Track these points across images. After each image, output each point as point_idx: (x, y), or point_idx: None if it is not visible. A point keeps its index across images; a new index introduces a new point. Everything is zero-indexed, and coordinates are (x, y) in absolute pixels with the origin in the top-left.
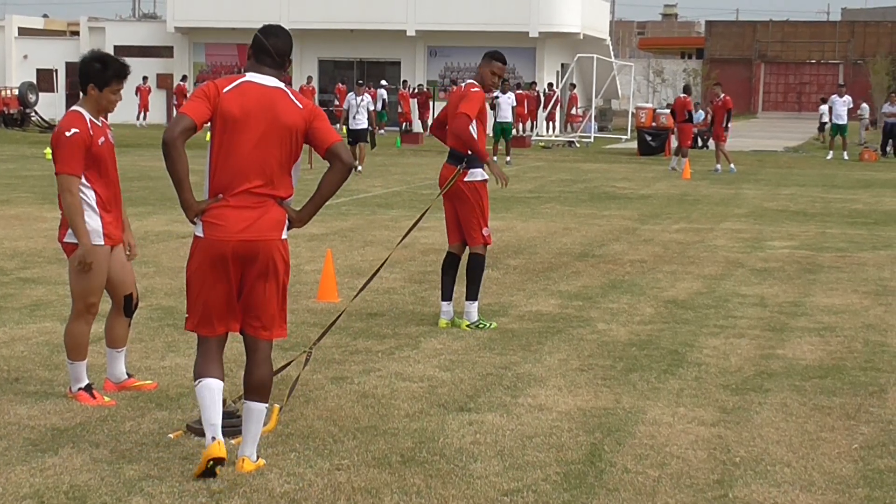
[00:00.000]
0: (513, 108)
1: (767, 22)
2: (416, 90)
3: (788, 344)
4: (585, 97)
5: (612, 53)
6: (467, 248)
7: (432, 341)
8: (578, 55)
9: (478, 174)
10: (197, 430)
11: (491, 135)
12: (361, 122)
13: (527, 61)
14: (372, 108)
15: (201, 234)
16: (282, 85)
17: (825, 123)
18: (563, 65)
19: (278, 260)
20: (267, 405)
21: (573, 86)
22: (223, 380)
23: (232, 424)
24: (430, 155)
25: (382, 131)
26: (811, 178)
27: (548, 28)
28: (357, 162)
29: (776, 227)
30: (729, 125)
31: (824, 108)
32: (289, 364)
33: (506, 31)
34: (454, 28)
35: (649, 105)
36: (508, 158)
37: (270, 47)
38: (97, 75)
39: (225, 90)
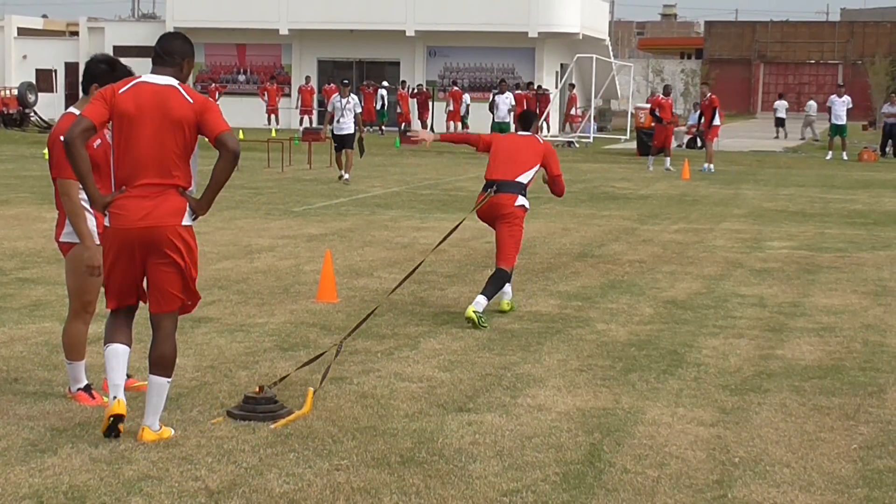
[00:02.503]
0: (511, 107)
1: (767, 22)
2: (416, 90)
3: (787, 344)
4: (585, 97)
5: (611, 54)
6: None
7: (431, 342)
8: (578, 55)
9: (527, 203)
10: (238, 415)
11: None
12: (347, 126)
13: (526, 62)
14: (359, 110)
15: (107, 224)
16: (175, 82)
17: (782, 119)
18: (562, 65)
19: (178, 244)
20: (169, 380)
21: (572, 86)
22: (130, 345)
23: (270, 410)
24: (429, 156)
25: (381, 132)
26: (810, 178)
27: (547, 28)
28: (343, 170)
29: (775, 227)
30: (716, 123)
31: (779, 103)
32: (318, 357)
33: (505, 31)
34: (453, 28)
35: (648, 105)
36: None
37: (159, 49)
38: (104, 76)
39: (120, 91)
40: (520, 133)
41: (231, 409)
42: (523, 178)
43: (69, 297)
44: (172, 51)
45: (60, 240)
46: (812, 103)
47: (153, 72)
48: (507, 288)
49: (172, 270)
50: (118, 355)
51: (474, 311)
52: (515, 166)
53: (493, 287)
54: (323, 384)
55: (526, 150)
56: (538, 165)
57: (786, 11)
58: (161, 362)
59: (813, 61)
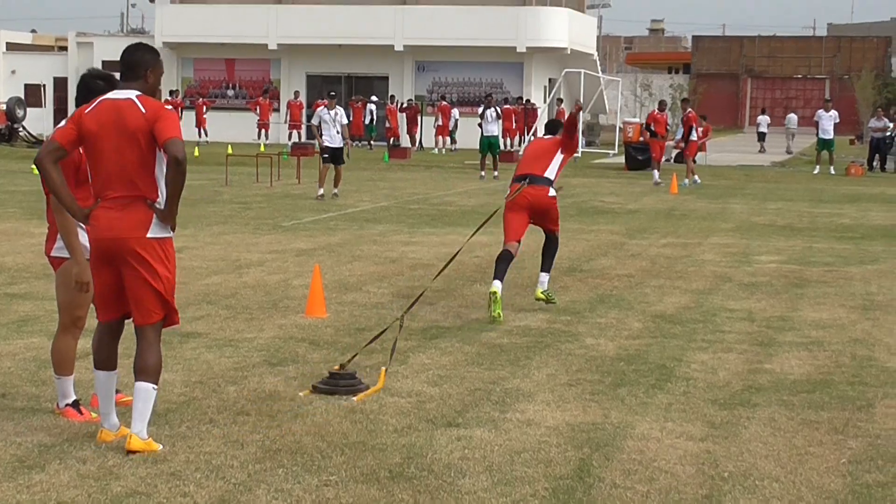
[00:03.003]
0: (498, 116)
1: (754, 37)
2: (406, 105)
3: (776, 358)
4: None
5: (599, 68)
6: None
7: (420, 356)
8: (566, 70)
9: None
10: (322, 389)
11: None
12: (337, 139)
13: (514, 76)
14: (345, 121)
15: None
16: (133, 95)
17: (764, 133)
18: (550, 79)
19: (144, 255)
20: (154, 386)
21: (560, 100)
22: (115, 367)
23: (351, 384)
24: (417, 170)
25: (370, 146)
26: (798, 192)
27: (535, 43)
28: (326, 186)
29: (763, 241)
30: (693, 138)
31: (761, 118)
32: (382, 333)
33: (493, 46)
34: (442, 43)
35: (637, 120)
36: (496, 173)
37: (121, 63)
38: (102, 92)
39: (86, 111)
40: (545, 137)
41: (316, 384)
42: (550, 174)
43: (59, 312)
44: (133, 63)
45: (52, 254)
46: (792, 116)
47: (120, 87)
48: (546, 278)
49: (142, 283)
50: (101, 382)
51: (542, 292)
52: (540, 163)
53: (550, 257)
54: (391, 362)
55: (545, 150)
56: (559, 154)
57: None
58: (145, 369)
59: (800, 76)
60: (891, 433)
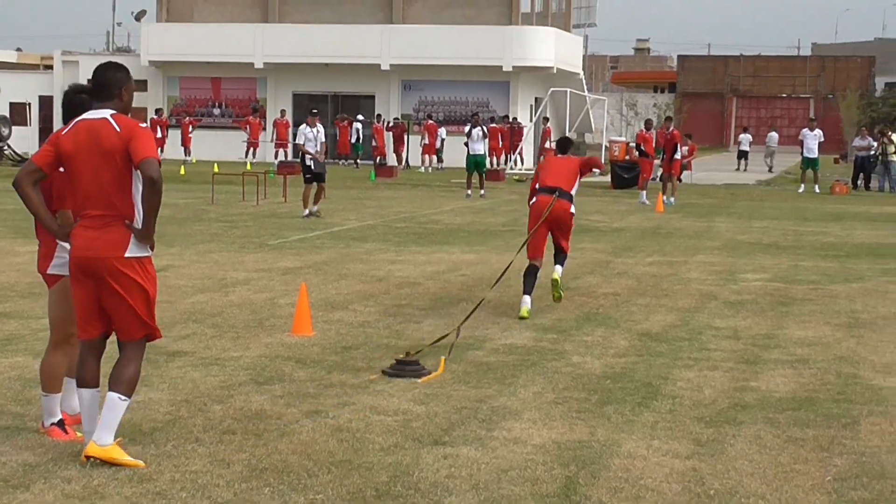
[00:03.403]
0: (484, 135)
1: (739, 57)
2: (393, 123)
3: (762, 376)
4: (559, 131)
5: (585, 87)
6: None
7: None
8: (552, 89)
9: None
10: (391, 374)
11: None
12: (320, 156)
13: (501, 95)
14: (323, 139)
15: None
16: (108, 114)
17: (746, 152)
18: (536, 98)
19: (123, 275)
20: (123, 398)
21: (546, 119)
22: (97, 385)
23: (415, 370)
24: (404, 188)
25: (356, 165)
26: (783, 211)
27: (521, 62)
28: (312, 205)
29: (749, 259)
30: (676, 157)
31: (743, 136)
32: (442, 338)
33: (479, 65)
34: (428, 62)
35: (622, 139)
36: (483, 192)
37: (94, 83)
38: (87, 105)
39: (63, 132)
40: (559, 156)
41: (385, 369)
42: (573, 191)
43: (51, 329)
44: (106, 83)
45: (48, 272)
46: (773, 135)
47: (94, 107)
48: (559, 269)
49: (120, 302)
50: (85, 401)
51: (554, 280)
52: (567, 179)
53: (561, 258)
54: (450, 354)
55: (570, 168)
56: (579, 177)
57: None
58: (118, 380)
59: (785, 95)
60: (876, 450)
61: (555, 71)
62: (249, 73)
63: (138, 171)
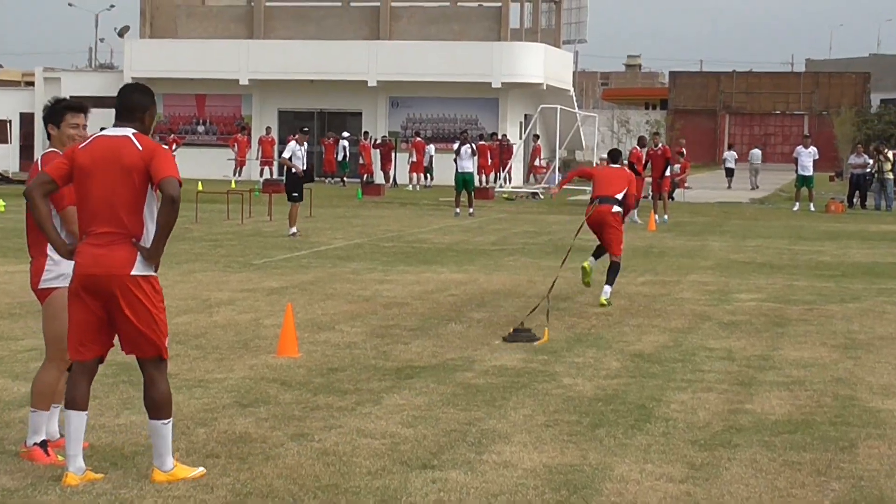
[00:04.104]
0: (473, 152)
1: (731, 73)
2: (380, 141)
3: (757, 398)
4: (549, 148)
5: (575, 104)
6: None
7: (394, 397)
8: (542, 106)
9: (621, 211)
10: (510, 339)
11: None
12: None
13: (490, 112)
14: (303, 156)
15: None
16: (130, 132)
17: (731, 169)
18: (526, 115)
19: (127, 293)
20: (164, 422)
21: (536, 136)
22: (86, 408)
23: (529, 336)
24: (391, 207)
25: (343, 183)
26: (777, 229)
27: (510, 79)
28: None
29: (743, 279)
30: (667, 174)
31: (728, 154)
32: (535, 308)
33: (468, 81)
34: (416, 79)
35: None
36: (472, 210)
37: (119, 105)
38: (51, 114)
39: (80, 147)
40: (611, 165)
41: (505, 337)
42: (619, 196)
43: (46, 345)
44: (132, 106)
45: (39, 287)
46: (755, 152)
47: (115, 125)
48: (608, 289)
49: (128, 319)
50: (72, 423)
51: (605, 300)
52: (613, 187)
53: (612, 275)
54: (549, 321)
55: (619, 177)
56: (626, 188)
57: (750, 62)
58: (151, 406)
59: (778, 112)
60: (874, 474)
61: (545, 87)
62: (234, 89)
63: (153, 192)
